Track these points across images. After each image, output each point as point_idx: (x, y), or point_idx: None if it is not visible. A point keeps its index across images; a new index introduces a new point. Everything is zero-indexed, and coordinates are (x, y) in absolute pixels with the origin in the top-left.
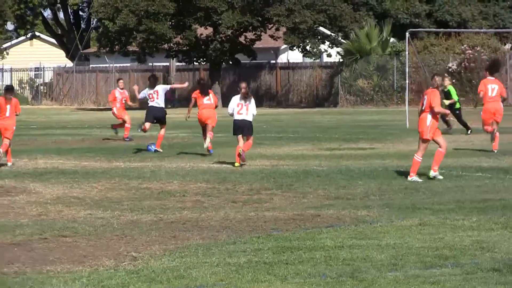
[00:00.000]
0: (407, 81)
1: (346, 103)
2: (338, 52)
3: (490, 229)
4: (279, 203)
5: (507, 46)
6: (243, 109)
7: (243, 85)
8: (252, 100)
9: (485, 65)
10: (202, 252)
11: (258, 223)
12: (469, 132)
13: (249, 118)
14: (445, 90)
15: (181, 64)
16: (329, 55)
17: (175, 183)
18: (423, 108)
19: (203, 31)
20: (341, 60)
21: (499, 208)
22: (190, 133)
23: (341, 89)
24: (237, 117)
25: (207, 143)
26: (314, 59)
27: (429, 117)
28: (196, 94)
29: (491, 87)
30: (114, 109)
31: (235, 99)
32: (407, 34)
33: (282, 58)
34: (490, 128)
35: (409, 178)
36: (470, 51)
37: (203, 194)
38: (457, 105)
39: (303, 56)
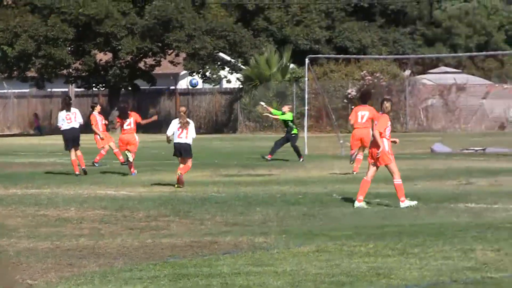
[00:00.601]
0: (306, 107)
1: (246, 129)
2: (237, 78)
3: (387, 255)
4: (177, 230)
5: (406, 72)
6: (183, 133)
7: (182, 109)
8: (192, 124)
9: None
10: (98, 280)
11: (155, 250)
12: (301, 160)
13: (189, 141)
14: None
15: (80, 89)
16: (228, 81)
17: (72, 210)
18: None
19: (103, 57)
20: (240, 86)
21: (396, 234)
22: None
23: (241, 115)
24: (177, 140)
25: (131, 158)
26: (213, 85)
27: (385, 141)
28: (118, 119)
29: (361, 114)
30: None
31: (175, 123)
32: (307, 60)
33: (182, 84)
34: (352, 152)
35: (401, 204)
36: (369, 77)
37: (100, 221)
38: (294, 131)
39: (203, 82)
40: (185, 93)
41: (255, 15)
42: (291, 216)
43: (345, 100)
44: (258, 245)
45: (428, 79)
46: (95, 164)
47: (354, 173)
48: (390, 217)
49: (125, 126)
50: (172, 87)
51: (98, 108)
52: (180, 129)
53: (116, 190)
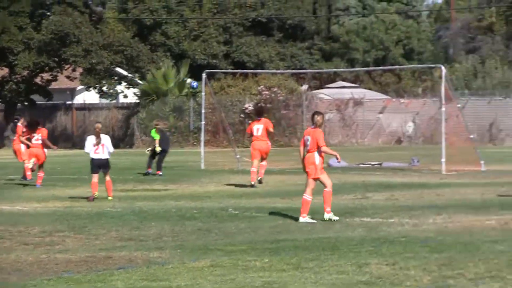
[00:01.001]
0: (202, 122)
1: (142, 144)
2: (134, 93)
3: (282, 270)
4: (72, 245)
5: (304, 86)
6: (99, 148)
7: (98, 125)
8: (107, 138)
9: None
10: None
11: (49, 266)
12: (148, 172)
13: (106, 156)
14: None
15: None
16: (125, 96)
17: None
18: (307, 148)
19: None
20: (137, 101)
21: (291, 249)
22: None
23: (137, 130)
24: (94, 156)
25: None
26: (110, 100)
27: (316, 155)
28: (26, 130)
29: (256, 128)
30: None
31: (91, 139)
32: (204, 75)
33: (78, 99)
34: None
35: (301, 219)
36: (266, 92)
37: None
38: (158, 149)
39: (100, 97)
40: (81, 108)
41: (153, 30)
42: (186, 231)
43: (242, 115)
44: (153, 260)
45: (326, 93)
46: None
47: (253, 183)
48: (285, 231)
49: (33, 140)
50: (69, 102)
51: (21, 120)
52: (96, 145)
53: (11, 206)
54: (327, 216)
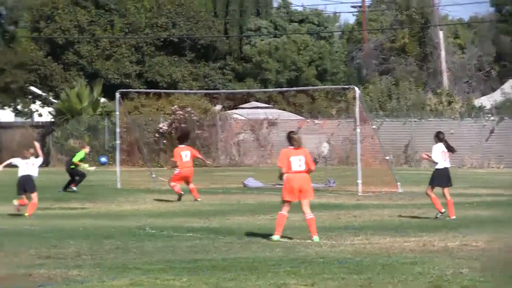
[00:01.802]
0: (117, 141)
1: (58, 162)
2: (49, 112)
3: None
4: None
5: (218, 107)
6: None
7: (37, 144)
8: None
9: (176, 136)
10: None
11: None
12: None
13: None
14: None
15: None
16: (40, 115)
17: None
18: (298, 169)
19: None
20: (52, 119)
21: (209, 268)
22: None
23: (53, 148)
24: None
25: None
26: (25, 119)
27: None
28: None
29: (185, 154)
30: None
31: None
32: (117, 95)
33: None
34: (178, 189)
35: (275, 237)
36: (180, 112)
37: None
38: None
39: (15, 115)
40: None
41: (65, 49)
42: (104, 250)
43: (156, 135)
44: (72, 278)
45: (240, 114)
46: None
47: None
48: (202, 251)
49: None
50: None
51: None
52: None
53: None
54: (316, 238)
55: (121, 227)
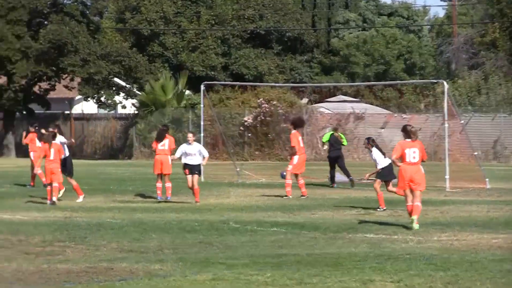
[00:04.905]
0: (202, 134)
1: (141, 155)
2: (133, 104)
3: (284, 285)
4: (72, 255)
5: (304, 100)
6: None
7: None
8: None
9: (291, 122)
10: None
11: (50, 275)
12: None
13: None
14: None
15: None
16: (124, 107)
17: None
18: (413, 160)
19: None
20: (136, 112)
21: (294, 264)
22: None
23: (136, 141)
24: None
25: None
26: (109, 110)
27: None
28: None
29: (301, 139)
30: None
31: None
32: (202, 87)
33: (77, 109)
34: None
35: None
36: (266, 105)
37: None
38: None
39: (98, 107)
40: (80, 118)
41: (150, 41)
42: (187, 244)
43: (241, 128)
44: (154, 272)
45: (326, 107)
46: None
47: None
48: (287, 246)
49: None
50: (67, 112)
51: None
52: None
53: (11, 215)
54: (415, 224)
55: (204, 221)
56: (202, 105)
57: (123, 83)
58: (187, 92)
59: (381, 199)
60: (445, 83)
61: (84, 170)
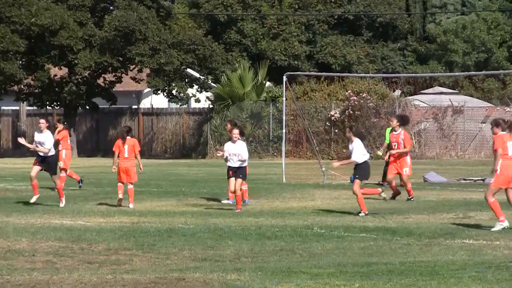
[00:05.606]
0: (284, 131)
1: (216, 154)
2: (207, 97)
3: None
4: (140, 264)
5: (396, 92)
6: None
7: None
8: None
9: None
10: None
11: (116, 287)
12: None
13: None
14: None
15: (32, 108)
16: (197, 101)
17: (24, 241)
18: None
19: (57, 72)
20: (211, 106)
21: (385, 273)
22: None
23: (211, 138)
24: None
25: None
26: (180, 105)
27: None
28: None
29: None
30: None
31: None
32: (285, 78)
33: (145, 103)
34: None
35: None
36: (355, 98)
37: (55, 254)
38: None
39: (169, 101)
40: (148, 113)
41: (227, 28)
42: (267, 251)
43: (327, 123)
44: (230, 282)
45: (421, 100)
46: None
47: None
48: (377, 253)
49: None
50: (134, 107)
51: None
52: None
53: (72, 220)
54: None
55: (285, 226)
56: (284, 98)
57: (197, 75)
58: (268, 84)
59: (362, 203)
60: None
61: (154, 171)
